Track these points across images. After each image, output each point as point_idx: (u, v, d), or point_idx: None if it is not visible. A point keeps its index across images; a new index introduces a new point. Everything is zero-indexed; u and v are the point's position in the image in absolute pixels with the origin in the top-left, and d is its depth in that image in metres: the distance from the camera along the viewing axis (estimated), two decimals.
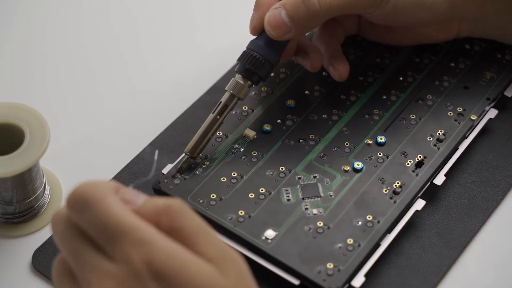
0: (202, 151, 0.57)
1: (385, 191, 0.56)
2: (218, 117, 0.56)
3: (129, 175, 0.59)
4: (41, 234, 0.57)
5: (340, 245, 0.53)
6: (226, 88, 0.57)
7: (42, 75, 0.66)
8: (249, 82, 0.57)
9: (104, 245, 0.41)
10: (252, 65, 0.56)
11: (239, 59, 0.57)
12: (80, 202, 0.41)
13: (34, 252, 0.55)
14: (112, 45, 0.68)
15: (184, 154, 0.56)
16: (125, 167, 0.60)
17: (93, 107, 0.64)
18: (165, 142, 0.61)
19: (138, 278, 0.40)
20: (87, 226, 0.41)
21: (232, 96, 0.57)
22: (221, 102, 0.57)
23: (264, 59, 0.56)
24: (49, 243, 0.56)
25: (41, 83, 0.66)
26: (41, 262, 0.55)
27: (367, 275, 0.53)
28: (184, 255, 0.41)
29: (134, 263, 0.40)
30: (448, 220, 0.57)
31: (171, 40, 0.68)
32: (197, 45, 0.68)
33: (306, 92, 0.61)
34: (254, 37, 0.58)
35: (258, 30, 0.57)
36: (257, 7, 0.57)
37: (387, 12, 0.58)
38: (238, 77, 0.57)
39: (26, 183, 0.55)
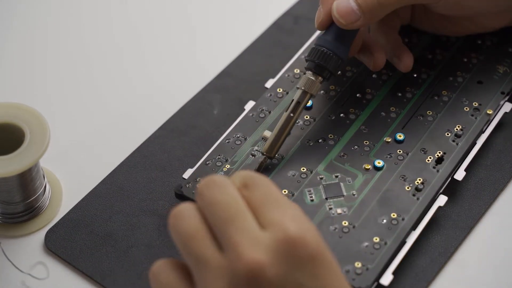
0: (279, 150, 0.57)
1: (408, 188, 0.56)
2: (291, 115, 0.56)
3: (129, 166, 0.59)
4: (43, 231, 0.57)
5: (366, 243, 0.54)
6: (297, 86, 0.57)
7: (42, 75, 0.65)
8: (320, 78, 0.57)
9: (258, 210, 0.45)
10: (321, 60, 0.56)
11: (308, 56, 0.57)
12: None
13: (47, 232, 0.56)
14: (112, 44, 0.68)
15: (261, 154, 0.57)
16: (125, 160, 0.60)
17: (93, 107, 0.64)
18: (176, 125, 0.61)
19: (291, 250, 0.44)
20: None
21: (304, 93, 0.57)
22: (293, 100, 0.57)
23: (333, 53, 0.56)
24: (61, 223, 0.56)
25: (41, 83, 0.65)
26: (53, 242, 0.56)
27: (395, 273, 0.53)
28: None
29: (290, 234, 0.44)
30: (455, 202, 0.57)
31: (170, 39, 0.68)
32: (198, 42, 0.68)
33: (322, 91, 0.61)
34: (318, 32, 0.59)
35: (325, 24, 0.57)
36: (323, 1, 0.57)
37: (453, 2, 0.58)
38: (308, 74, 0.57)
39: (26, 183, 0.55)
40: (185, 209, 0.45)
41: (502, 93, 0.61)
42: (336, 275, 0.45)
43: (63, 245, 0.55)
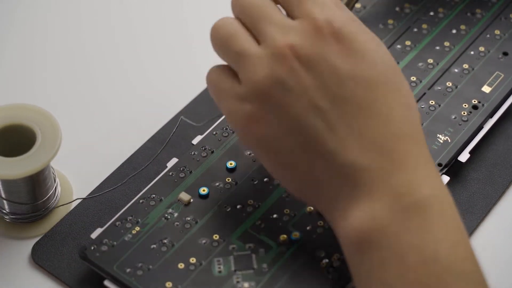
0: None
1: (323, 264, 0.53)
2: None
3: (129, 169, 0.60)
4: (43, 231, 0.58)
5: None
6: None
7: (52, 76, 0.66)
8: None
9: (288, 5, 0.50)
10: None
11: None
12: None
13: (34, 245, 0.56)
14: (113, 43, 0.68)
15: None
16: (114, 172, 0.60)
17: (100, 107, 0.64)
18: (166, 137, 0.61)
19: (319, 33, 0.48)
20: None
21: None
22: None
23: None
24: (49, 235, 0.57)
25: (50, 84, 0.66)
26: (40, 255, 0.56)
27: None
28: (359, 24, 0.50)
29: (317, 19, 0.48)
30: None
31: (157, 55, 0.67)
32: (186, 58, 0.67)
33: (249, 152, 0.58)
34: None
35: None
36: None
37: None
38: None
39: (37, 184, 0.56)
40: (224, 19, 0.51)
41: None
42: (367, 52, 0.49)
43: (50, 258, 0.56)
